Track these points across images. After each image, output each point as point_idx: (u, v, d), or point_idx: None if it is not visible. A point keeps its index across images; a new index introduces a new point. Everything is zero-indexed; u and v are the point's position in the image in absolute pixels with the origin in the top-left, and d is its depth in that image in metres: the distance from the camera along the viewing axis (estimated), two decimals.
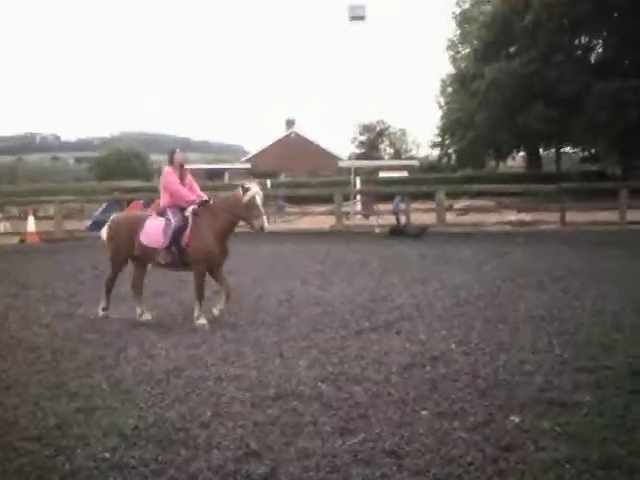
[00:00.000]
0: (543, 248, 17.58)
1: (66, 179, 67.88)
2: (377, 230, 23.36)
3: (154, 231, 9.66)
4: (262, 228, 9.38)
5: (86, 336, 9.04)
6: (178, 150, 10.09)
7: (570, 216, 22.46)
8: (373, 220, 27.37)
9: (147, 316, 9.98)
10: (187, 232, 9.55)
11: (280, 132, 72.47)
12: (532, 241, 19.19)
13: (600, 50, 45.41)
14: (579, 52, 45.46)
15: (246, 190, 9.40)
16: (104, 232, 10.32)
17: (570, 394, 6.22)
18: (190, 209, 9.67)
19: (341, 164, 62.25)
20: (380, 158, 78.62)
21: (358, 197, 33.65)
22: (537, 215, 25.20)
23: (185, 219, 9.62)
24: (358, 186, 37.30)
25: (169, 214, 9.67)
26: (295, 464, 4.88)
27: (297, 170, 61.28)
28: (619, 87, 36.75)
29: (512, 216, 25.86)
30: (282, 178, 58.24)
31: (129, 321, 9.87)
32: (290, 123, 72.49)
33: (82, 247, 20.75)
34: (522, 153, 60.72)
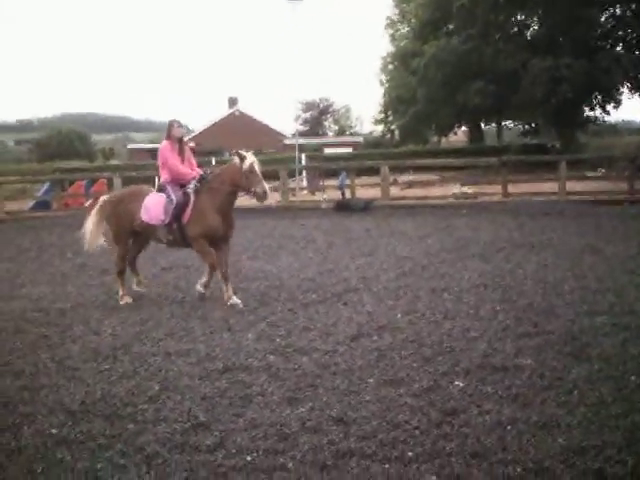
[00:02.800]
0: (486, 219, 17.82)
1: (6, 161, 66.42)
2: (323, 205, 23.39)
3: (154, 208, 9.26)
4: (265, 193, 9.10)
5: (30, 315, 8.93)
6: (176, 124, 9.55)
7: (512, 188, 22.78)
8: (319, 195, 27.43)
9: (127, 299, 9.54)
10: (188, 209, 9.20)
11: (224, 110, 71.84)
12: (475, 213, 19.45)
13: (535, 28, 45.97)
14: (515, 29, 45.93)
15: (243, 158, 9.08)
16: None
17: (512, 359, 6.38)
18: (192, 186, 9.29)
19: (286, 141, 62.01)
20: (324, 135, 78.57)
21: (304, 173, 33.67)
22: (480, 188, 25.53)
23: (186, 196, 9.25)
24: (303, 163, 37.29)
25: (169, 190, 9.28)
26: (243, 434, 4.93)
27: (242, 148, 60.90)
28: (554, 64, 37.34)
29: (455, 189, 26.13)
30: (227, 156, 57.91)
31: (73, 300, 9.75)
32: (233, 101, 71.86)
33: (24, 228, 20.34)
34: (464, 128, 61.27)
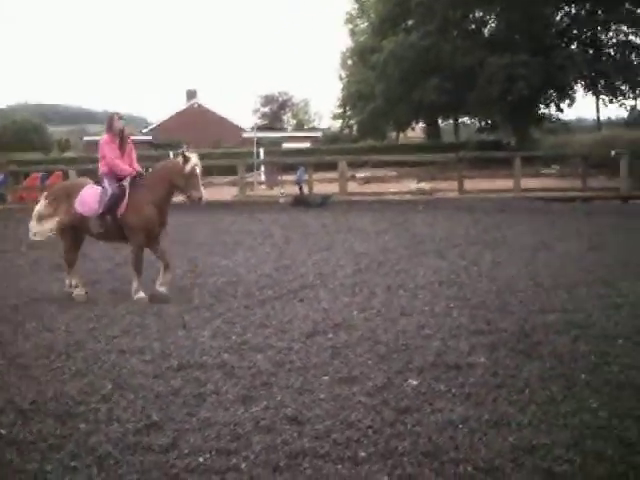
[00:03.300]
0: (442, 216, 17.99)
1: None
2: (281, 200, 23.39)
3: (89, 199, 9.29)
4: (200, 199, 9.23)
5: None
6: (117, 117, 9.56)
7: (468, 184, 22.99)
8: (277, 190, 27.39)
9: (80, 291, 9.48)
10: (124, 201, 9.21)
11: (182, 103, 71.21)
12: (431, 209, 19.60)
13: (493, 25, 46.41)
14: (473, 26, 46.32)
15: (186, 159, 9.13)
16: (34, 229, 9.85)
17: (466, 356, 6.44)
18: (128, 179, 9.32)
19: (245, 135, 61.57)
20: (283, 129, 78.37)
21: (262, 168, 33.57)
22: (436, 184, 25.72)
23: (122, 188, 9.27)
24: (262, 157, 37.18)
25: (105, 182, 9.30)
26: (196, 434, 4.89)
27: (200, 141, 60.26)
28: (510, 62, 37.75)
29: (412, 185, 26.28)
30: (184, 149, 57.38)
31: (27, 295, 9.61)
32: (191, 94, 71.14)
33: None
34: (422, 124, 61.59)
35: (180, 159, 9.22)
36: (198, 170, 9.18)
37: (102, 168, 9.45)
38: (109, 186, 9.25)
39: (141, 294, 9.20)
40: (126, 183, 9.31)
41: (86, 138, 68.70)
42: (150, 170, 9.68)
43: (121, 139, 9.53)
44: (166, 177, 9.31)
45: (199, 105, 68.67)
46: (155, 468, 4.41)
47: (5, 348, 7.11)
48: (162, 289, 9.27)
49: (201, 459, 4.52)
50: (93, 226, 9.30)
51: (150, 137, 63.11)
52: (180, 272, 11.00)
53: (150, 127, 71.72)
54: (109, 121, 9.55)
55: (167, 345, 7.05)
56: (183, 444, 4.74)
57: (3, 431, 5.02)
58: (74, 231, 9.61)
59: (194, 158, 9.18)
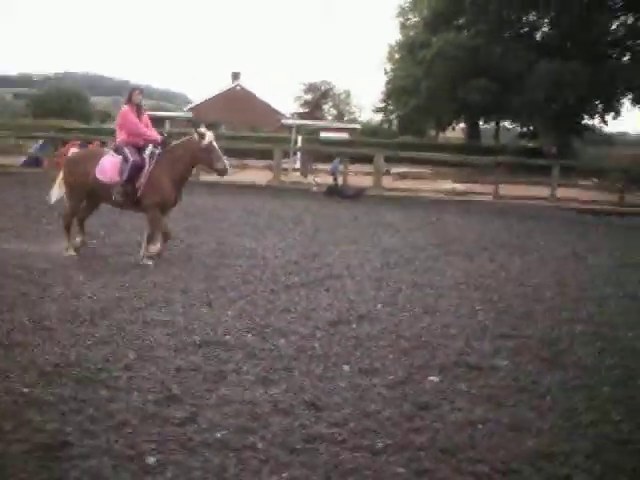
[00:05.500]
0: (474, 218, 17.88)
1: (2, 114, 65.85)
2: (314, 189, 23.34)
3: (111, 167, 9.78)
4: (225, 169, 9.74)
5: (12, 271, 8.84)
6: (137, 91, 10.21)
7: (504, 189, 22.82)
8: (311, 179, 27.35)
9: (70, 252, 10.03)
10: (144, 172, 9.68)
11: (225, 84, 71.29)
12: (464, 211, 19.48)
13: (545, 29, 45.79)
14: (526, 29, 45.76)
15: (202, 135, 9.63)
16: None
17: (488, 359, 6.41)
18: (148, 151, 9.81)
19: (284, 121, 61.59)
20: (322, 118, 78.18)
21: (298, 155, 33.52)
22: (472, 186, 25.52)
23: (143, 159, 9.75)
24: (299, 144, 37.14)
25: (126, 151, 9.77)
26: (215, 410, 4.92)
27: (239, 123, 60.57)
28: (559, 68, 37.18)
29: (447, 185, 26.13)
30: (222, 130, 57.54)
31: (56, 260, 9.69)
32: (236, 76, 71.33)
33: (14, 182, 20.18)
34: (462, 125, 61.13)
35: (196, 135, 9.70)
36: (215, 144, 9.72)
37: (120, 137, 9.97)
38: (131, 156, 9.71)
39: (147, 261, 9.68)
40: (146, 155, 9.79)
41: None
42: (170, 137, 10.30)
43: (138, 111, 10.12)
44: (186, 154, 9.79)
45: (242, 87, 68.72)
46: (172, 440, 4.44)
47: (32, 310, 7.15)
48: (148, 261, 9.72)
49: (218, 435, 4.55)
50: (116, 194, 9.74)
51: (190, 115, 63.34)
52: (208, 250, 11.05)
53: (191, 105, 71.97)
54: (130, 94, 10.15)
55: (191, 321, 7.08)
56: (201, 419, 4.77)
57: (25, 390, 5.07)
58: (90, 198, 10.18)
59: (209, 132, 9.73)
